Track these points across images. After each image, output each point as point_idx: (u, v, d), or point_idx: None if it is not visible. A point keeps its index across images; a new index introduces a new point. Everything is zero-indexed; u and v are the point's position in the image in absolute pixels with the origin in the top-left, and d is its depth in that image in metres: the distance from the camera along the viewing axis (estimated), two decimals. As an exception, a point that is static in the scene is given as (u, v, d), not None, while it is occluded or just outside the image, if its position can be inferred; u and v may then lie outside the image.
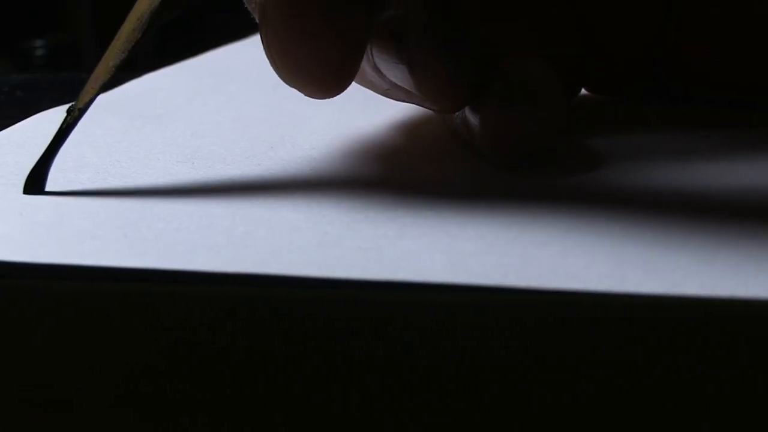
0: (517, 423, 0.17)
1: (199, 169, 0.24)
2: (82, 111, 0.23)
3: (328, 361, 0.17)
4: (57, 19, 0.78)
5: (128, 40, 0.23)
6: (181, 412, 0.18)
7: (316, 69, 0.21)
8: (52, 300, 0.18)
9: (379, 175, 0.24)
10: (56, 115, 0.30)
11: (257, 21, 0.22)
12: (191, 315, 0.17)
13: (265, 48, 0.21)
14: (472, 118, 0.23)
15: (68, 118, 0.23)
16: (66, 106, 0.31)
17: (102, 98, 0.32)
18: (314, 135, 0.27)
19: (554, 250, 0.18)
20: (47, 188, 0.23)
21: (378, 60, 0.22)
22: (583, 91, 0.29)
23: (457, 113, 0.24)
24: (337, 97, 0.32)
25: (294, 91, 0.34)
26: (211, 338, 0.17)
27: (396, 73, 0.22)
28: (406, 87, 0.22)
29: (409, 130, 0.28)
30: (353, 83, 0.22)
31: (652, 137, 0.26)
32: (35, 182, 0.23)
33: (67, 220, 0.21)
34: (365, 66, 0.23)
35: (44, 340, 0.18)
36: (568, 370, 0.16)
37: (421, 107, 0.25)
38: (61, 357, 0.18)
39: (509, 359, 0.16)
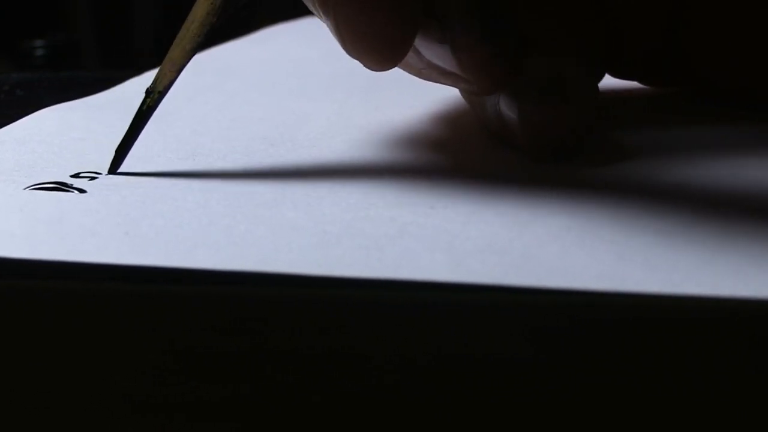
0: (518, 420, 0.17)
1: (200, 166, 0.24)
2: (162, 94, 0.24)
3: (327, 359, 0.17)
4: (57, 19, 0.78)
5: (203, 24, 0.24)
6: (181, 410, 0.18)
7: (376, 42, 0.22)
8: (52, 299, 0.18)
9: (379, 174, 0.24)
10: (56, 112, 0.30)
11: None
12: (191, 313, 0.17)
13: (332, 22, 0.22)
14: (509, 113, 0.24)
15: (148, 101, 0.24)
16: (67, 103, 0.31)
17: (103, 95, 0.33)
18: (314, 133, 0.27)
19: (555, 248, 0.18)
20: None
21: (417, 40, 0.23)
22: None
23: (489, 107, 0.25)
24: (338, 95, 0.33)
25: (294, 89, 0.34)
26: (212, 337, 0.17)
27: (437, 53, 0.23)
28: (445, 67, 0.24)
29: (411, 128, 0.28)
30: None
31: (660, 136, 0.26)
32: (117, 163, 0.24)
33: (67, 216, 0.21)
34: None
35: (44, 339, 0.18)
36: (569, 369, 0.16)
37: (444, 92, 0.26)
38: (61, 356, 0.18)
39: (510, 358, 0.16)
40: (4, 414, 0.18)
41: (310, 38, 0.46)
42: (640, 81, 0.30)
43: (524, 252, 0.18)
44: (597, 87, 0.25)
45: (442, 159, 0.25)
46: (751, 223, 0.19)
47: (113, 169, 0.24)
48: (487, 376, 0.17)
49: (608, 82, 0.30)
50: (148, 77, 0.35)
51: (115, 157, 0.24)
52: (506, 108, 0.24)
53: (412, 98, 0.30)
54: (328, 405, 0.17)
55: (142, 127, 0.24)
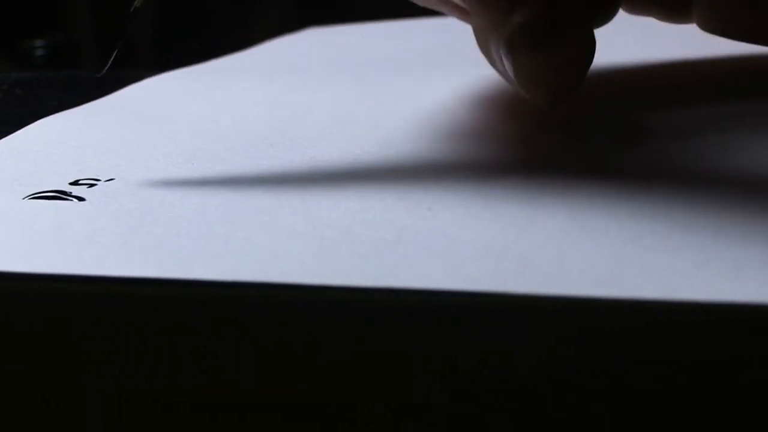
0: (514, 428, 0.17)
1: (199, 169, 0.24)
2: None
3: (326, 367, 0.17)
4: (57, 19, 0.78)
5: None
6: (180, 420, 0.18)
7: None
8: (52, 303, 0.18)
9: (377, 174, 0.24)
10: (55, 121, 0.30)
11: None
12: (191, 318, 0.17)
13: None
14: (507, 61, 0.24)
15: (136, 2, 0.24)
16: (66, 112, 0.31)
17: (102, 102, 0.33)
18: (313, 133, 0.27)
19: (552, 253, 0.18)
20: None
21: None
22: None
23: (494, 51, 0.24)
24: (337, 96, 0.32)
25: (294, 88, 0.34)
26: (211, 345, 0.17)
27: None
28: None
29: (410, 126, 0.28)
30: None
31: (662, 133, 0.26)
32: (104, 62, 0.24)
33: (66, 226, 0.21)
34: None
35: (43, 342, 0.18)
36: (567, 376, 0.16)
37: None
38: (61, 359, 0.18)
39: (508, 366, 0.16)
40: (6, 414, 0.18)
41: (309, 48, 0.46)
42: (658, 17, 0.29)
43: (521, 257, 0.18)
44: (593, 32, 0.25)
45: (440, 158, 0.25)
46: (750, 228, 0.19)
47: (100, 68, 0.24)
48: (486, 383, 0.17)
49: (610, 71, 0.30)
50: (147, 83, 0.35)
51: (102, 55, 0.24)
52: (504, 56, 0.24)
53: (411, 102, 0.30)
54: (325, 412, 0.17)
55: (132, 26, 0.24)
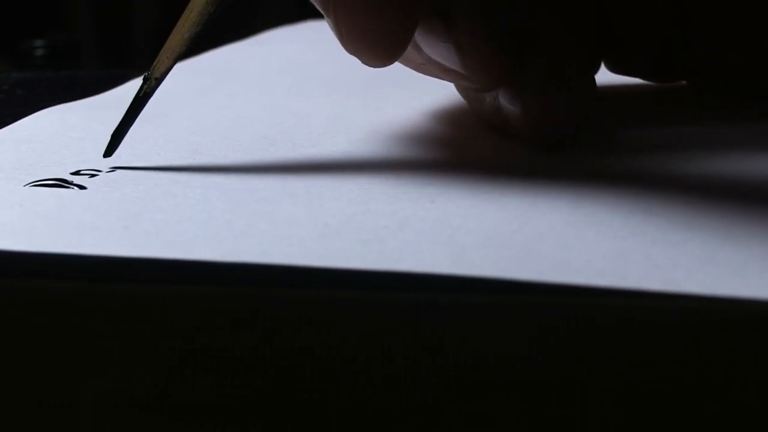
0: (514, 416, 0.16)
1: (201, 164, 0.24)
2: (159, 81, 0.25)
3: (329, 357, 0.17)
4: (57, 19, 0.78)
5: (202, 13, 0.24)
6: (181, 409, 0.17)
7: (374, 40, 0.23)
8: (57, 299, 0.17)
9: (380, 169, 0.24)
10: (56, 112, 0.30)
11: None
12: (194, 311, 0.17)
13: (331, 17, 0.23)
14: (508, 105, 0.24)
15: (145, 87, 0.25)
16: (67, 104, 0.31)
17: (103, 96, 0.33)
18: (315, 132, 0.27)
19: (555, 243, 0.18)
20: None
21: (419, 37, 0.24)
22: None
23: (489, 100, 0.25)
24: (338, 95, 0.33)
25: (294, 89, 0.35)
26: (216, 335, 0.17)
27: (439, 51, 0.24)
28: (447, 64, 0.24)
29: (412, 125, 0.28)
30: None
31: (664, 131, 0.26)
32: (112, 148, 0.25)
33: (67, 211, 0.21)
34: None
35: (44, 338, 0.18)
36: (567, 366, 0.16)
37: (442, 88, 0.27)
38: (65, 356, 0.17)
39: (510, 355, 0.16)
40: (6, 414, 0.18)
41: (309, 41, 0.46)
42: (643, 78, 0.30)
43: (525, 246, 0.18)
44: (594, 80, 0.26)
45: (443, 154, 0.25)
46: (755, 223, 0.19)
47: (108, 153, 0.25)
48: (488, 372, 0.16)
49: (613, 77, 0.30)
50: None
51: (110, 141, 0.25)
52: (506, 100, 0.24)
53: (413, 97, 0.30)
54: (326, 399, 0.17)
55: (139, 113, 0.25)
